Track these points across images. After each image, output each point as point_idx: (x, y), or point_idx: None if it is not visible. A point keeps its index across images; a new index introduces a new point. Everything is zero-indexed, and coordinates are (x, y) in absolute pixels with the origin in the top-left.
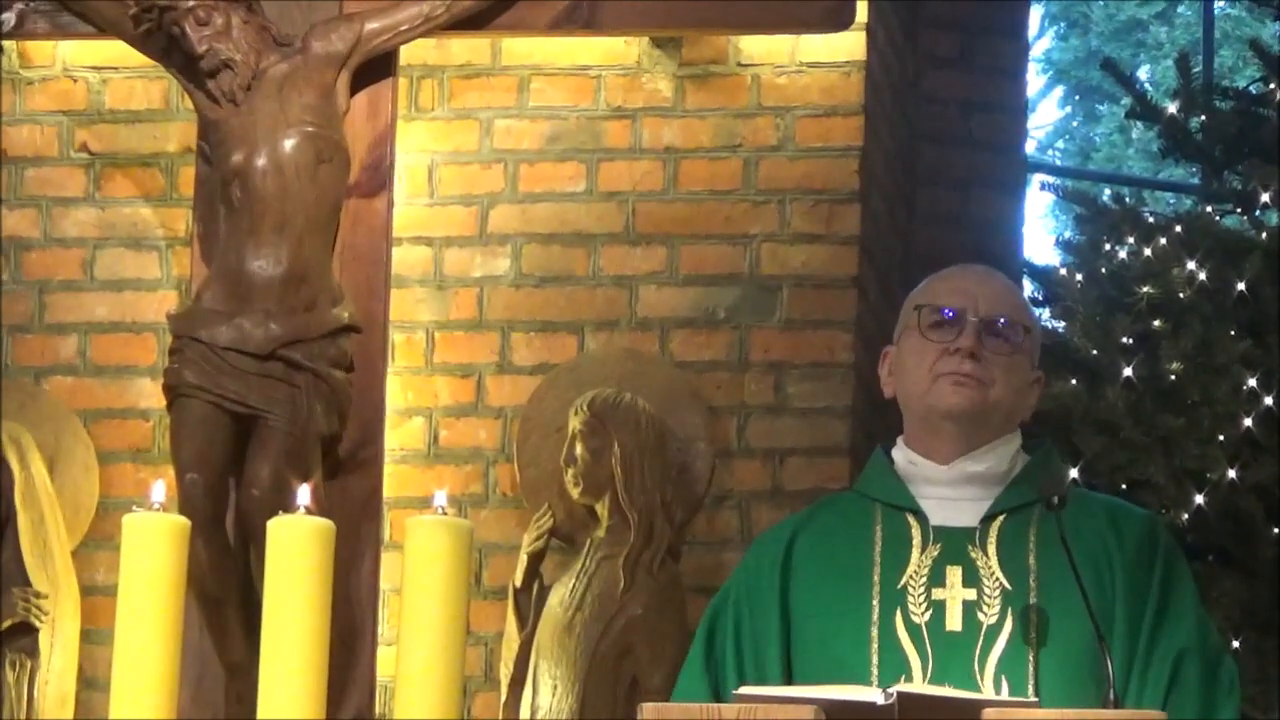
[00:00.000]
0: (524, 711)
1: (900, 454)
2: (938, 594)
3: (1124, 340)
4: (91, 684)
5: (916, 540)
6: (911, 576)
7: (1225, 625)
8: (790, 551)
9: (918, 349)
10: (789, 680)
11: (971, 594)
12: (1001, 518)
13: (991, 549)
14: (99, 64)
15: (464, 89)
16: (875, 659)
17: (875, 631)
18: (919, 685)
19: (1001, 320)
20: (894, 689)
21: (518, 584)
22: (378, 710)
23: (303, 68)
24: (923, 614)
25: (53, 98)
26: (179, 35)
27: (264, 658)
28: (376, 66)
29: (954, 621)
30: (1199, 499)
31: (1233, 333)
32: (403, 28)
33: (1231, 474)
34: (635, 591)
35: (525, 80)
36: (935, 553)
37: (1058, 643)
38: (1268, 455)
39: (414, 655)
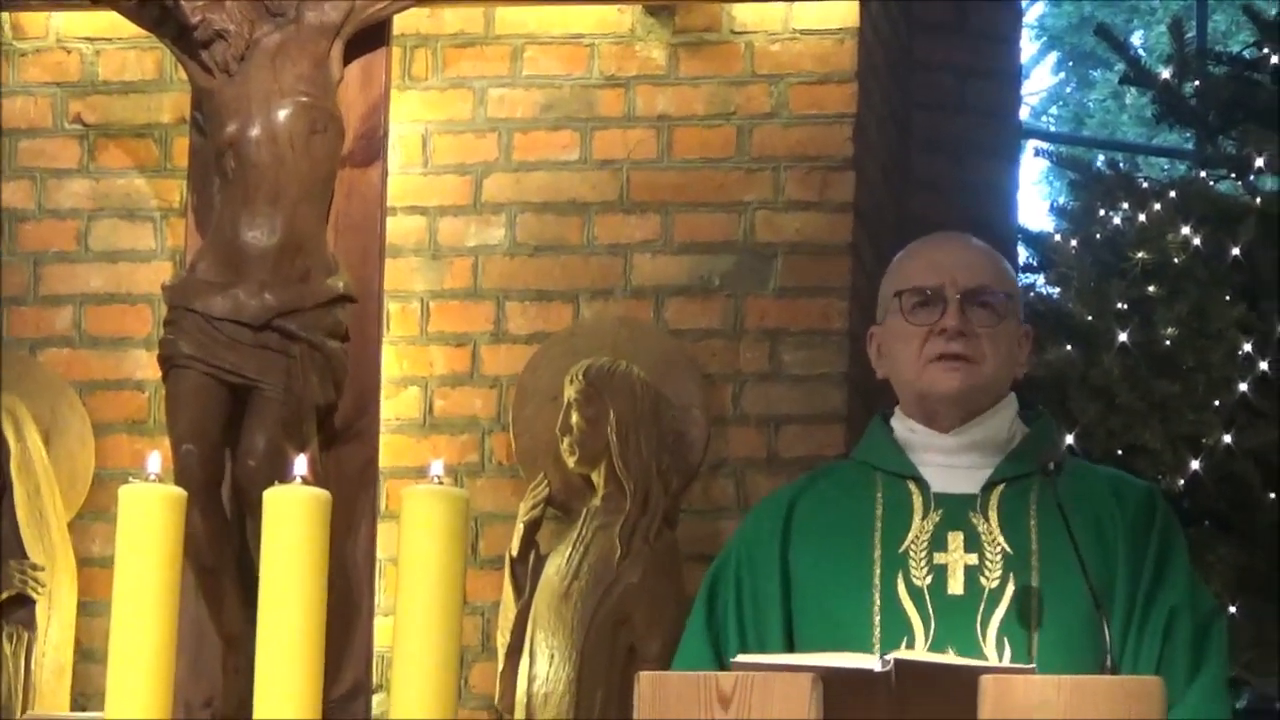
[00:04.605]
0: (521, 681)
1: (900, 423)
2: (939, 558)
3: (1119, 306)
4: (88, 655)
5: (918, 507)
6: (913, 542)
7: (1222, 590)
8: (790, 518)
9: (904, 334)
10: (790, 645)
11: (973, 559)
12: (1002, 486)
13: (993, 515)
14: (92, 35)
15: (457, 58)
16: (877, 622)
17: (877, 595)
18: (917, 652)
19: (984, 290)
20: (891, 656)
21: (514, 553)
22: (375, 680)
23: (296, 38)
24: (924, 578)
25: (46, 69)
26: (172, 6)
27: (261, 628)
28: (370, 36)
29: (956, 585)
30: (1195, 464)
31: (1228, 298)
32: None
33: (1227, 439)
34: (632, 560)
35: (519, 49)
36: (937, 519)
37: (1059, 608)
38: (1263, 420)
39: (411, 625)
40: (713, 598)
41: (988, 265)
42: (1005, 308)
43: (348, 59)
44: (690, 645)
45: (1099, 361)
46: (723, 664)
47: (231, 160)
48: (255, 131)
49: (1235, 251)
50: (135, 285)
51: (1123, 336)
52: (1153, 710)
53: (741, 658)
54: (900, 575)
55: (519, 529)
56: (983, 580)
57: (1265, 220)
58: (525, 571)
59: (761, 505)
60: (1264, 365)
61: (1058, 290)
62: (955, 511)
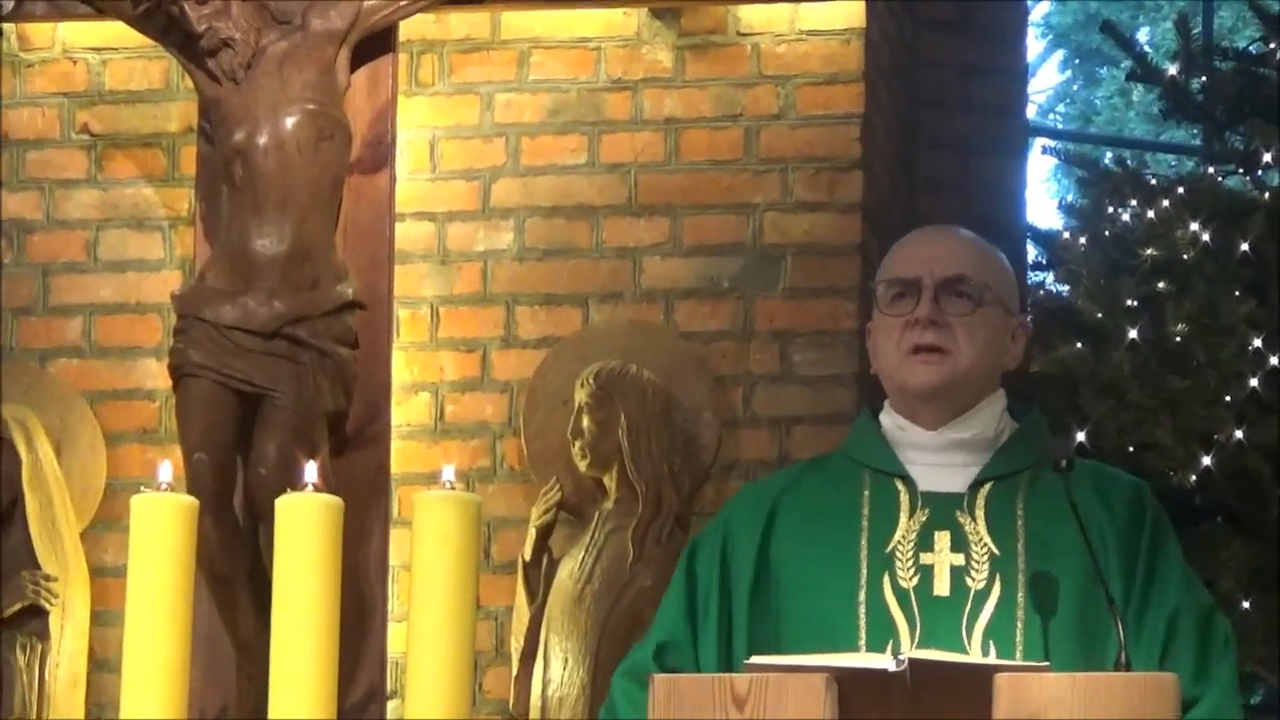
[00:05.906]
0: (536, 685)
1: (888, 418)
2: (925, 559)
3: (1129, 303)
4: (102, 665)
5: (904, 506)
6: (899, 542)
7: (1234, 586)
8: (774, 515)
9: (884, 327)
10: (729, 631)
11: (959, 559)
12: (989, 485)
13: (980, 515)
14: (98, 45)
15: (464, 63)
16: (863, 623)
17: (863, 596)
18: (930, 651)
19: (960, 280)
20: (905, 655)
21: (527, 558)
22: (389, 686)
23: (303, 45)
24: (910, 579)
25: (53, 80)
26: (178, 15)
27: (274, 636)
28: (376, 42)
29: (942, 586)
30: (1206, 460)
31: (1237, 293)
32: (402, 3)
33: (1238, 434)
34: (644, 563)
35: (525, 53)
36: (923, 518)
37: (1045, 608)
38: (1274, 415)
39: (424, 631)
40: (692, 570)
41: (969, 255)
42: (983, 296)
43: (354, 66)
44: (667, 613)
45: (1109, 358)
46: (696, 637)
47: (239, 168)
48: (263, 139)
49: (1244, 246)
50: (145, 295)
51: (1133, 333)
52: (1167, 707)
53: (755, 659)
54: (886, 576)
55: (531, 533)
56: (969, 581)
57: (1273, 215)
58: (538, 576)
59: (748, 492)
60: (1274, 360)
61: (1067, 288)
62: (942, 511)
